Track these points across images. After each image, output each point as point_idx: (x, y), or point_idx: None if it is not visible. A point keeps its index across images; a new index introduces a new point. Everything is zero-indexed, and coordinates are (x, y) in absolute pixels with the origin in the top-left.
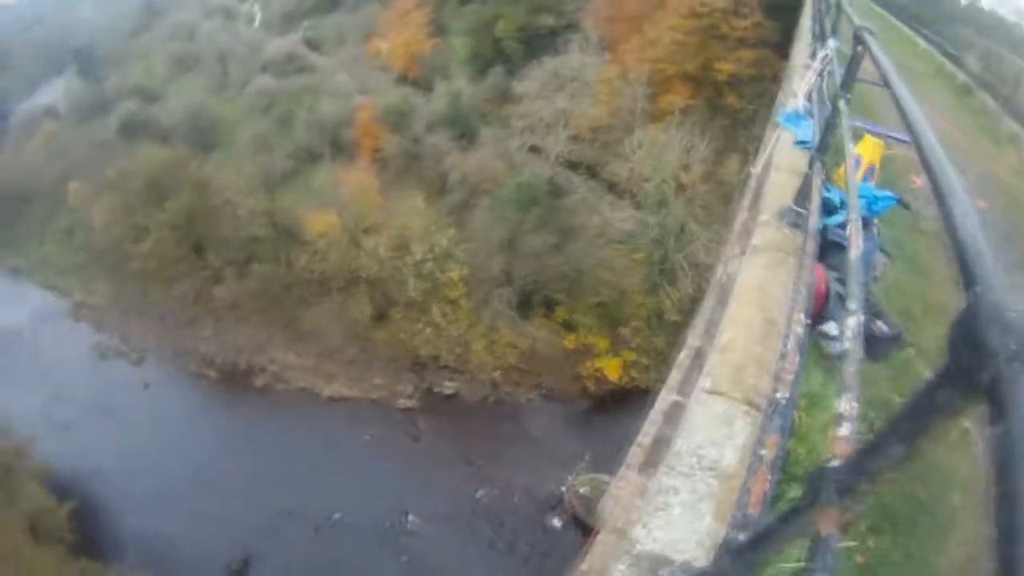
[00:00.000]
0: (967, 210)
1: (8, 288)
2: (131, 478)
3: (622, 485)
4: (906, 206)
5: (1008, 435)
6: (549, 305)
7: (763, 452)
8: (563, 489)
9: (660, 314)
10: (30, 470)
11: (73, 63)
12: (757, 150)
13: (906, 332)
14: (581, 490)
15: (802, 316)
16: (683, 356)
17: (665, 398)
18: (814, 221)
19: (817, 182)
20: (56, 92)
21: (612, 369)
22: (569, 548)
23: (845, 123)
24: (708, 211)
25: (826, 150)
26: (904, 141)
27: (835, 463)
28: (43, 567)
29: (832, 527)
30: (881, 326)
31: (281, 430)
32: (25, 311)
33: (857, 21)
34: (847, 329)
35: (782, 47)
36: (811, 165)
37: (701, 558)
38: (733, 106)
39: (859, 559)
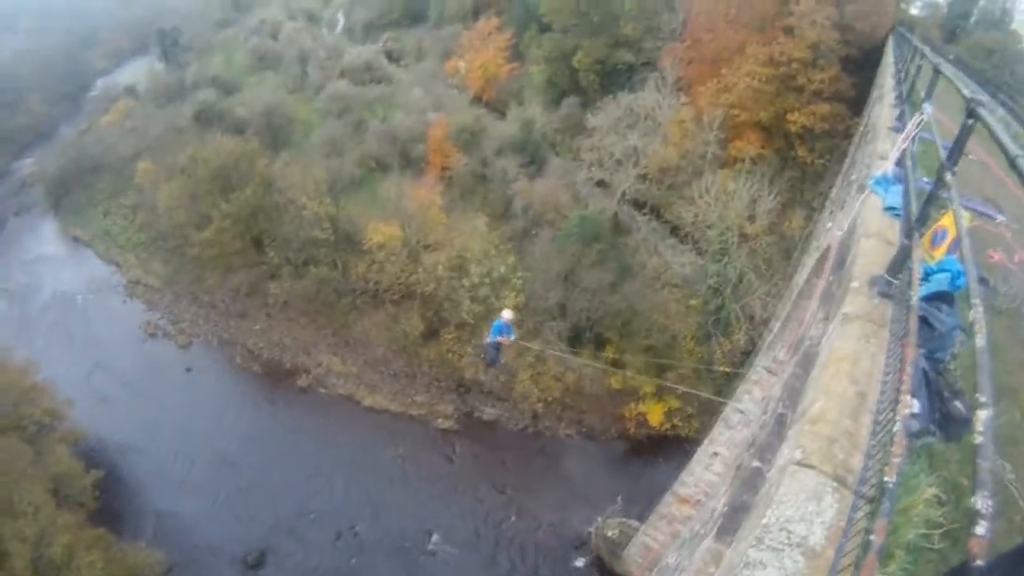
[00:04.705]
0: None
1: (69, 255)
2: (160, 458)
3: (651, 533)
4: (985, 282)
5: None
6: (599, 342)
7: (872, 538)
8: (590, 530)
9: (710, 364)
10: (63, 433)
11: (157, 46)
12: (823, 206)
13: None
14: (609, 533)
15: (911, 399)
16: (761, 417)
17: (740, 462)
18: (916, 298)
19: (918, 255)
20: (136, 72)
21: (655, 414)
22: None
23: (956, 199)
24: (769, 264)
25: (925, 221)
26: (989, 216)
27: (978, 563)
28: (61, 528)
29: None
30: (959, 406)
31: (317, 433)
32: (82, 279)
33: (968, 93)
34: (979, 423)
35: (856, 103)
36: (910, 236)
37: None
38: (803, 159)
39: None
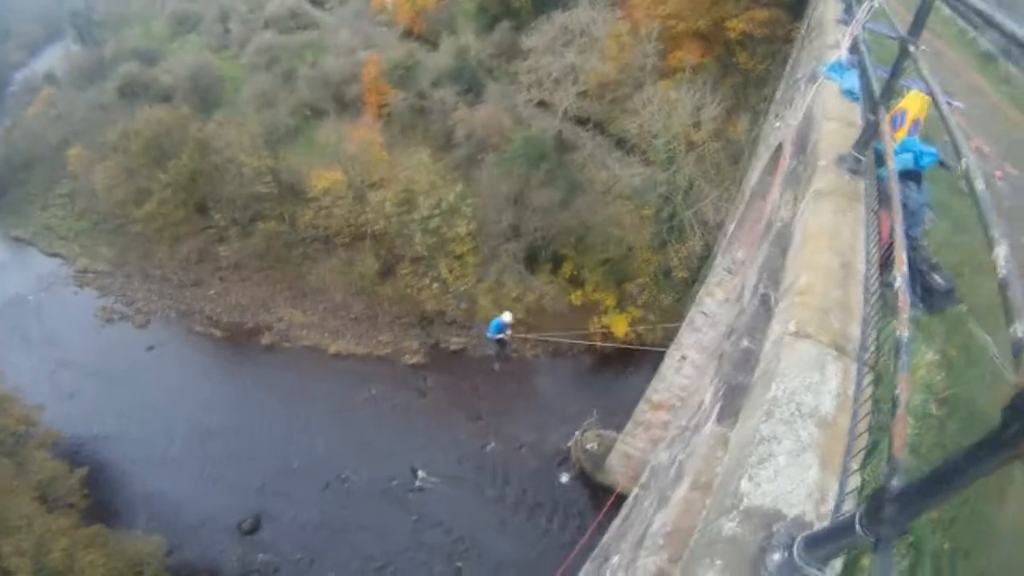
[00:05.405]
0: None
1: (12, 256)
2: (140, 441)
3: (630, 441)
4: (946, 166)
5: None
6: (556, 260)
7: (898, 393)
8: (569, 445)
9: (667, 271)
10: (39, 438)
11: (71, 28)
12: (768, 109)
13: (958, 288)
14: (588, 446)
15: (904, 259)
16: (737, 304)
17: (721, 351)
18: (892, 165)
19: (886, 127)
20: (54, 58)
21: (619, 326)
22: (577, 503)
23: (923, 68)
24: (718, 169)
25: (891, 96)
26: (948, 102)
27: None
28: (57, 533)
29: None
30: (937, 279)
31: (288, 388)
32: (29, 279)
33: None
34: (1000, 258)
35: (795, 8)
36: (875, 112)
37: (811, 512)
38: (744, 65)
39: None
